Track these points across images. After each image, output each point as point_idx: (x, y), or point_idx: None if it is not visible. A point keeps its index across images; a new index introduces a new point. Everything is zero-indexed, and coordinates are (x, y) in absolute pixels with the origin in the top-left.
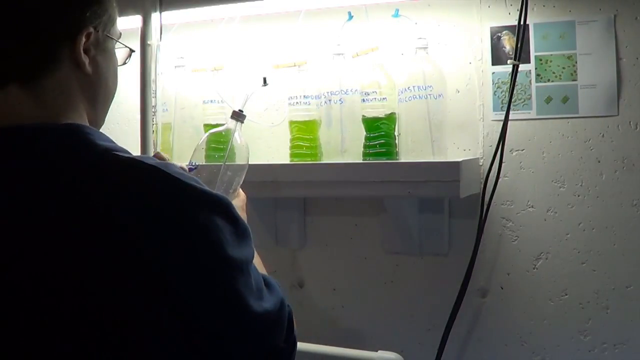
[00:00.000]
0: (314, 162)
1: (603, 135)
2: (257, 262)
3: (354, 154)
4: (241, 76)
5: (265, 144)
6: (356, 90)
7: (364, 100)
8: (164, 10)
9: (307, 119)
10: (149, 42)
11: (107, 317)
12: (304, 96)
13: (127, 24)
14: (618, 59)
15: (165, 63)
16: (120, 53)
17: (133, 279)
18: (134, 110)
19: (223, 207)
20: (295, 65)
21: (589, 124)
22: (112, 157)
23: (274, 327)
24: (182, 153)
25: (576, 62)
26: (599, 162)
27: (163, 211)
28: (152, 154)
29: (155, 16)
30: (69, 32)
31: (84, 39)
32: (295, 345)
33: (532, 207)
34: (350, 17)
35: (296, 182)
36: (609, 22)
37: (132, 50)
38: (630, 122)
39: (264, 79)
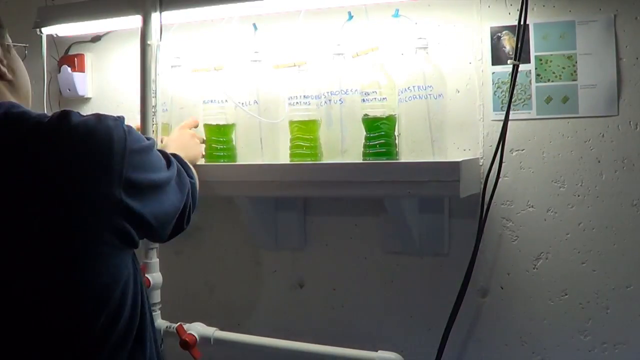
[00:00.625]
0: (314, 162)
1: (603, 135)
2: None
3: (354, 154)
4: (241, 76)
5: (265, 144)
6: (356, 90)
7: (364, 100)
8: (164, 10)
9: (307, 119)
10: (149, 42)
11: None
12: (304, 96)
13: (127, 24)
14: (618, 59)
15: (165, 63)
16: (19, 50)
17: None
18: (134, 110)
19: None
20: (295, 65)
21: (589, 124)
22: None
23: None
24: None
25: (576, 62)
26: (599, 162)
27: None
28: None
29: (155, 16)
30: None
31: None
32: (195, 202)
33: (532, 207)
34: (350, 17)
35: (296, 182)
36: (609, 22)
37: (25, 45)
38: (630, 122)
39: None
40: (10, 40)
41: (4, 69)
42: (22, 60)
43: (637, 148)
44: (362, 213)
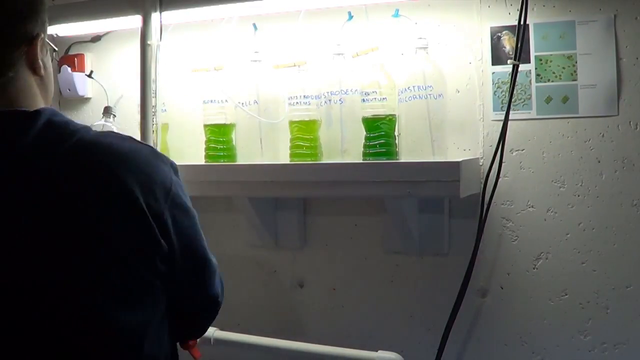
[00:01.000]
0: (314, 162)
1: (603, 135)
2: None
3: (354, 154)
4: (241, 76)
5: (265, 144)
6: (356, 90)
7: (364, 100)
8: (164, 10)
9: (307, 119)
10: (149, 42)
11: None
12: (304, 96)
13: (127, 24)
14: (618, 59)
15: (165, 63)
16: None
17: (137, 226)
18: (134, 110)
19: (176, 168)
20: (295, 65)
21: (589, 124)
22: (96, 133)
23: (217, 277)
24: (182, 153)
25: (576, 62)
26: (599, 162)
27: (154, 174)
28: None
29: (155, 16)
30: (29, 40)
31: (38, 46)
32: (223, 298)
33: (532, 207)
34: (350, 17)
35: (296, 182)
36: (609, 22)
37: (55, 49)
38: (630, 122)
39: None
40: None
41: (40, 63)
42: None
43: (637, 148)
44: (362, 213)
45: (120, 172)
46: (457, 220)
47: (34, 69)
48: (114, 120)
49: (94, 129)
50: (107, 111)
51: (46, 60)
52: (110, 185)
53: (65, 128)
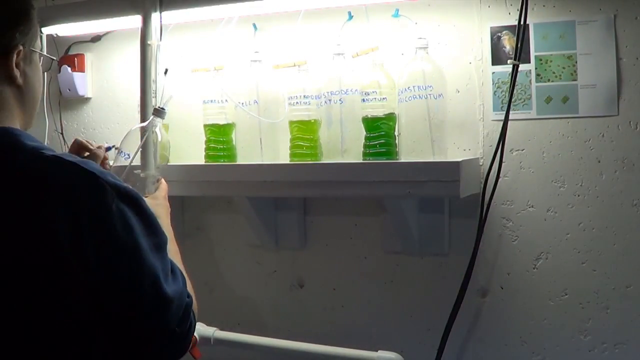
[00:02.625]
0: (314, 162)
1: (603, 135)
2: (174, 251)
3: (354, 154)
4: (241, 76)
5: (265, 144)
6: (356, 90)
7: (364, 100)
8: (164, 10)
9: (307, 119)
10: (149, 42)
11: (32, 294)
12: (304, 96)
13: (127, 24)
14: (618, 59)
15: (165, 63)
16: (45, 61)
17: (53, 261)
18: (134, 110)
19: (132, 200)
20: (295, 65)
21: (589, 124)
22: (38, 154)
23: (171, 310)
24: (182, 153)
25: (576, 62)
26: (599, 162)
27: (80, 201)
28: (152, 153)
29: (155, 16)
30: (2, 51)
31: (14, 56)
32: (188, 334)
33: (532, 207)
34: (350, 17)
35: (296, 182)
36: (609, 22)
37: (52, 59)
38: (630, 122)
39: (166, 70)
40: (39, 48)
41: (16, 73)
42: (46, 71)
43: (637, 148)
44: (362, 213)
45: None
46: (457, 220)
47: (10, 78)
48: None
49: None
50: (158, 113)
51: (29, 70)
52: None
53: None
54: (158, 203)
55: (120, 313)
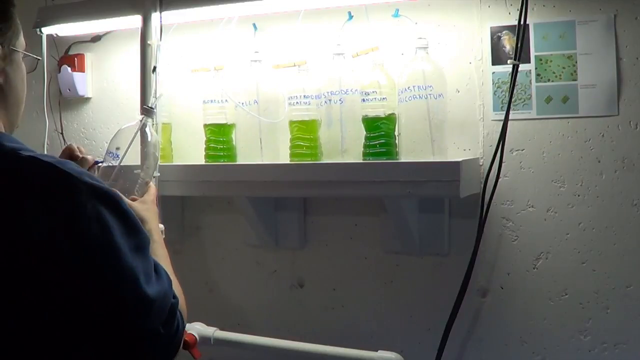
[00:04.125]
0: (314, 162)
1: (603, 135)
2: (163, 255)
3: (354, 154)
4: (241, 76)
5: (265, 144)
6: (356, 90)
7: (364, 100)
8: (164, 10)
9: (307, 118)
10: (149, 42)
11: (11, 295)
12: (304, 96)
13: (127, 24)
14: (618, 59)
15: (165, 63)
16: (29, 61)
17: (31, 261)
18: (134, 110)
19: (110, 200)
20: (295, 65)
21: (589, 124)
22: (15, 155)
23: (153, 310)
24: (182, 153)
25: (576, 62)
26: (599, 162)
27: (55, 201)
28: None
29: (155, 16)
30: None
31: None
32: (176, 335)
33: (532, 207)
34: (350, 17)
35: (296, 182)
36: (609, 22)
37: (37, 58)
38: (630, 122)
39: (154, 68)
40: (22, 47)
41: None
42: (30, 71)
43: (637, 148)
44: (362, 213)
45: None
46: (457, 220)
47: None
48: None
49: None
50: (148, 113)
51: (10, 70)
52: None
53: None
54: (146, 207)
55: (101, 314)
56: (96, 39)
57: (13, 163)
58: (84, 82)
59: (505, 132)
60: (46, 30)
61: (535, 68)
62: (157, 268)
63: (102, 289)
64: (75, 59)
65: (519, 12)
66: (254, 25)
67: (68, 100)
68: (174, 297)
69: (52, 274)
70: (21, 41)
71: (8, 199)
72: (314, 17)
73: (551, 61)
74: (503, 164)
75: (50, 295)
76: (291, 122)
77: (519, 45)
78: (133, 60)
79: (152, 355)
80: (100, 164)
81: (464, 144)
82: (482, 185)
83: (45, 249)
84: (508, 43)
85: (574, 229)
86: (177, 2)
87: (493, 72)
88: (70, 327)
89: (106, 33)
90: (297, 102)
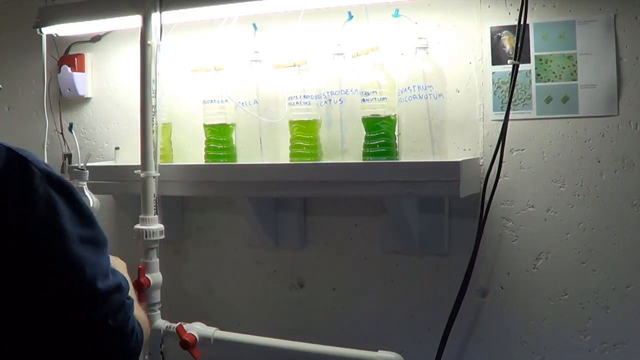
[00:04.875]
0: (314, 162)
1: (603, 135)
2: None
3: (354, 154)
4: (241, 76)
5: (265, 144)
6: (356, 90)
7: (364, 100)
8: (164, 10)
9: (307, 119)
10: (149, 42)
11: None
12: (304, 96)
13: (127, 24)
14: (618, 59)
15: (165, 63)
16: None
17: None
18: (134, 110)
19: (64, 188)
20: (295, 65)
21: (589, 124)
22: None
23: (101, 303)
24: (182, 153)
25: (576, 62)
26: (599, 162)
27: (9, 183)
28: (152, 153)
29: (155, 16)
30: None
31: None
32: (126, 329)
33: (532, 207)
34: (350, 17)
35: (296, 182)
36: (609, 22)
37: None
38: (630, 122)
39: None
40: None
41: None
42: None
43: (637, 148)
44: (362, 213)
45: None
46: (457, 220)
47: None
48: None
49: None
50: (79, 175)
51: None
52: None
53: None
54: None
55: (46, 298)
56: (96, 39)
57: None
58: (84, 82)
59: (505, 132)
60: (46, 30)
61: (535, 68)
62: (113, 270)
63: (47, 272)
64: (75, 59)
65: (519, 12)
66: (254, 25)
67: (68, 100)
68: (129, 298)
69: (3, 256)
70: None
71: None
72: (314, 17)
73: (551, 61)
74: (503, 164)
75: (2, 278)
76: (291, 122)
77: (519, 45)
78: (133, 60)
79: (103, 349)
80: None
81: (464, 144)
82: (482, 185)
83: (11, 230)
84: (508, 43)
85: (574, 229)
86: (177, 2)
87: (493, 72)
88: (19, 312)
89: (106, 33)
90: (297, 102)
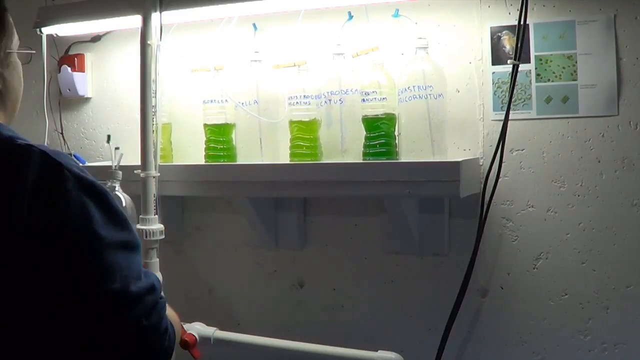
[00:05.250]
0: (314, 162)
1: (603, 135)
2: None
3: (354, 154)
4: (241, 76)
5: (265, 144)
6: (356, 90)
7: (364, 100)
8: (164, 10)
9: (307, 119)
10: (149, 42)
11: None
12: (304, 96)
13: (127, 24)
14: (618, 59)
15: (165, 63)
16: (23, 55)
17: (13, 248)
18: (134, 110)
19: (96, 192)
20: (295, 65)
21: (589, 124)
22: (11, 143)
23: (135, 303)
24: (183, 153)
25: (576, 62)
26: (599, 162)
27: (42, 188)
28: (152, 153)
29: (155, 16)
30: None
31: None
32: (160, 328)
33: (532, 207)
34: (350, 17)
35: (296, 182)
36: (609, 22)
37: (32, 52)
38: (630, 122)
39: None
40: (17, 45)
41: None
42: (26, 63)
43: (637, 148)
44: (362, 213)
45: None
46: (457, 220)
47: None
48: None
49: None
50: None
51: (7, 73)
52: None
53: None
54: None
55: (80, 303)
56: (96, 39)
57: (8, 150)
58: (84, 82)
59: (505, 132)
60: (46, 30)
61: (535, 68)
62: (147, 272)
63: (80, 278)
64: (75, 59)
65: (519, 12)
66: (254, 25)
67: (68, 100)
68: (162, 297)
69: (36, 260)
70: (15, 40)
71: (5, 187)
72: (314, 17)
73: (551, 61)
74: (503, 164)
75: (34, 283)
76: (291, 122)
77: (519, 45)
78: (133, 60)
79: (137, 349)
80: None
81: (464, 144)
82: (482, 185)
83: (32, 235)
84: (508, 43)
85: (574, 229)
86: (177, 2)
87: (493, 72)
88: (51, 317)
89: (106, 33)
90: (297, 102)
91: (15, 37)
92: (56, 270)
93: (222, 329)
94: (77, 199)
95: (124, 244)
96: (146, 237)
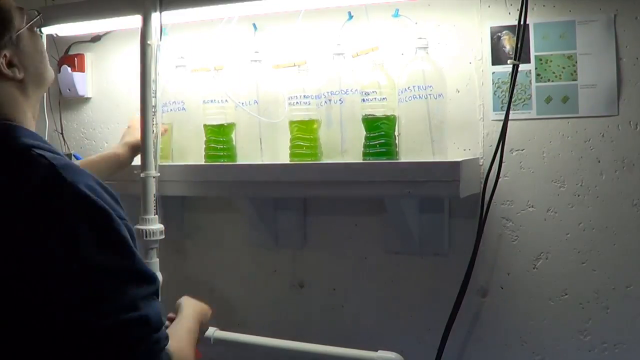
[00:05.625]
0: (314, 162)
1: (603, 135)
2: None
3: (354, 154)
4: (241, 76)
5: (265, 144)
6: (356, 90)
7: (364, 100)
8: (164, 10)
9: (307, 118)
10: (149, 42)
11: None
12: (304, 96)
13: (127, 24)
14: (618, 59)
15: (165, 63)
16: (34, 25)
17: (16, 257)
18: (134, 111)
19: (94, 214)
20: (295, 65)
21: (589, 124)
22: (27, 153)
23: (109, 335)
24: (183, 153)
25: (576, 62)
26: (599, 162)
27: (38, 201)
28: (152, 153)
29: (155, 16)
30: None
31: (2, 60)
32: None
33: (532, 207)
34: (350, 17)
35: (296, 182)
36: (609, 22)
37: (39, 14)
38: (630, 122)
39: None
40: (25, 22)
41: (8, 71)
42: (39, 27)
43: (637, 148)
44: (362, 213)
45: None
46: (457, 220)
47: (7, 77)
48: None
49: None
50: None
51: (24, 57)
52: None
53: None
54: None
55: (61, 323)
56: (96, 39)
57: (22, 161)
58: (84, 82)
59: (505, 132)
60: (46, 30)
61: (535, 68)
62: (149, 302)
63: (60, 299)
64: (75, 59)
65: (519, 12)
66: (254, 25)
67: (68, 100)
68: (157, 332)
69: (19, 272)
70: (23, 23)
71: (9, 196)
72: (314, 17)
73: (551, 61)
74: (503, 164)
75: (14, 294)
76: (291, 122)
77: (519, 45)
78: (133, 60)
79: None
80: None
81: (464, 144)
82: (482, 185)
83: (30, 247)
84: (508, 43)
85: (574, 229)
86: (177, 2)
87: (493, 72)
88: (32, 335)
89: (106, 33)
90: (297, 102)
91: (17, 18)
92: (35, 286)
93: (222, 329)
94: (70, 217)
95: (114, 269)
96: (146, 237)
